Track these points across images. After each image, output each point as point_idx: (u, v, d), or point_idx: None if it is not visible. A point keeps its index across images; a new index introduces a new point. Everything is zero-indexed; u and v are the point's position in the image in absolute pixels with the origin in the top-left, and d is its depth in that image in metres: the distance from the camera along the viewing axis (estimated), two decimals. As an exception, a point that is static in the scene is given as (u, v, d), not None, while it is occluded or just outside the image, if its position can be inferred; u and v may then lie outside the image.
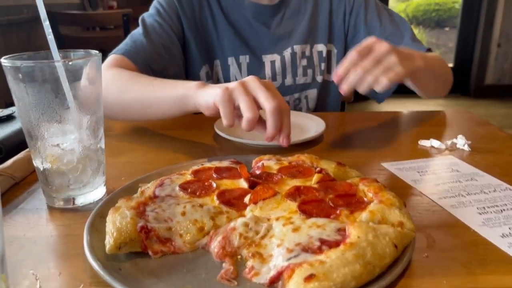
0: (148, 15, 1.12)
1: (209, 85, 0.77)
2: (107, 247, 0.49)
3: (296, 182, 0.63)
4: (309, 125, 0.96)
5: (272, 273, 0.45)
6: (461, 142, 0.85)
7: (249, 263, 0.48)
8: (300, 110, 1.23)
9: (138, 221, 0.52)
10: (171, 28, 1.10)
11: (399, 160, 0.80)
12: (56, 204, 0.64)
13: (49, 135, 0.60)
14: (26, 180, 0.73)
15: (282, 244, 0.48)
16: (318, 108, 1.25)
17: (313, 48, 1.21)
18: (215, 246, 0.51)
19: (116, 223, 0.52)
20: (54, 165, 0.62)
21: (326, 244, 0.47)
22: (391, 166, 0.77)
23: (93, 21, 3.30)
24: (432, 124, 1.04)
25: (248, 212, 0.57)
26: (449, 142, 0.86)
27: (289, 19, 1.19)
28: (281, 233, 0.51)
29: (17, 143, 0.80)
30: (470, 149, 0.84)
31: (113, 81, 0.90)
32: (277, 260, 0.46)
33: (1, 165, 0.71)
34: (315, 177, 0.63)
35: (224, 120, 0.70)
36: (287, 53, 1.19)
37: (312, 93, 1.23)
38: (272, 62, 1.18)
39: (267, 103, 0.68)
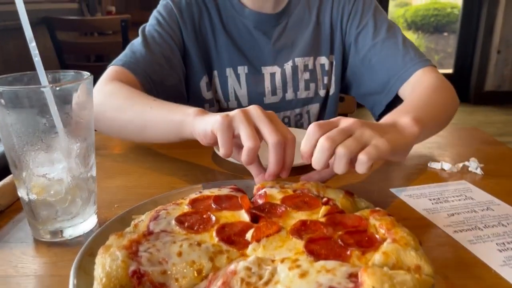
0: (149, 25, 1.08)
1: (209, 113, 0.72)
2: (95, 294, 0.45)
3: (301, 215, 0.58)
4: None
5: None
6: (473, 165, 0.81)
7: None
8: (301, 126, 1.19)
9: (130, 264, 0.47)
10: (172, 38, 1.07)
11: (408, 185, 0.75)
12: (43, 237, 0.60)
13: (35, 165, 0.56)
14: (12, 207, 0.69)
15: None
16: None
17: (316, 61, 1.16)
18: (215, 292, 0.47)
19: (106, 266, 0.47)
20: (41, 196, 0.57)
21: (337, 294, 0.42)
22: (401, 193, 0.72)
23: (91, 26, 3.26)
24: (441, 144, 0.99)
25: (250, 251, 0.52)
26: (460, 165, 0.82)
27: (291, 29, 1.14)
28: (287, 279, 0.46)
29: (3, 166, 0.76)
30: (483, 173, 0.80)
31: (111, 96, 0.87)
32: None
33: (-15, 192, 0.66)
34: (322, 210, 0.58)
35: (222, 149, 0.65)
36: (288, 66, 1.14)
37: (315, 108, 1.19)
38: (272, 75, 1.14)
39: (271, 137, 0.63)
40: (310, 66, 1.16)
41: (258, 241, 0.53)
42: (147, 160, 0.88)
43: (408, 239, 0.50)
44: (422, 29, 6.03)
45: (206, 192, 0.65)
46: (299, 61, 1.14)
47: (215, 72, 1.13)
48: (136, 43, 1.04)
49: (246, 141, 0.62)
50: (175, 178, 0.80)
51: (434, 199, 0.70)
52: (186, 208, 0.61)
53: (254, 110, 0.65)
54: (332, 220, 0.56)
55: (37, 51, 0.55)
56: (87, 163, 0.60)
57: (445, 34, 5.98)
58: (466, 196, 0.71)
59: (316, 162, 0.61)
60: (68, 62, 3.00)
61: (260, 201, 0.63)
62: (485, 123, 4.51)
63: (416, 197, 0.71)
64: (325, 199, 0.61)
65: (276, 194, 0.64)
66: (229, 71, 1.13)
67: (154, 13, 1.11)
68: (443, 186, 0.75)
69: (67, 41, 3.03)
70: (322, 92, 1.18)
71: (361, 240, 0.52)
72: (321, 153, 0.59)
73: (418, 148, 0.97)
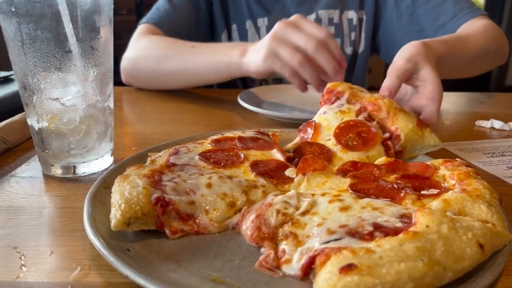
0: None
1: (248, 49, 0.76)
2: (113, 222, 0.38)
3: (353, 156, 0.51)
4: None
5: (304, 260, 0.34)
6: (527, 123, 0.73)
7: (282, 245, 0.37)
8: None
9: (152, 192, 0.41)
10: None
11: (456, 140, 0.68)
12: (53, 172, 0.53)
13: (47, 86, 0.49)
14: (21, 146, 0.62)
15: (323, 223, 0.37)
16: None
17: (342, 15, 1.09)
18: (248, 227, 0.40)
19: (125, 193, 0.40)
20: (52, 124, 0.51)
21: (382, 231, 0.34)
22: (450, 147, 0.65)
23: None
24: (486, 103, 0.91)
25: (295, 184, 0.45)
26: (512, 124, 0.74)
27: None
28: (325, 211, 0.39)
29: (14, 107, 0.70)
30: (537, 132, 0.72)
31: (148, 49, 0.90)
32: (312, 242, 0.35)
33: (-9, 127, 0.60)
34: (381, 160, 0.50)
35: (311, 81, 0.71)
36: (311, 18, 1.07)
37: None
38: (268, 27, 1.07)
39: (309, 44, 0.68)
40: (336, 20, 1.08)
41: (304, 173, 0.46)
42: (167, 111, 0.82)
43: (483, 192, 0.41)
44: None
45: (229, 134, 0.58)
46: (323, 13, 1.08)
47: (234, 26, 1.09)
48: (160, 0, 1.04)
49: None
50: (196, 127, 0.73)
51: (488, 153, 0.63)
52: (208, 146, 0.54)
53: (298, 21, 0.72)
54: (392, 166, 0.49)
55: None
56: (104, 92, 0.53)
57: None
58: (523, 152, 0.64)
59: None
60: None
61: (309, 130, 0.57)
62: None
63: (468, 151, 0.64)
64: (386, 135, 0.54)
65: (332, 119, 0.57)
66: (248, 24, 1.08)
67: None
68: (496, 142, 0.68)
69: None
70: (348, 50, 1.10)
71: (421, 186, 0.44)
72: None
73: (463, 106, 0.89)
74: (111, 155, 0.58)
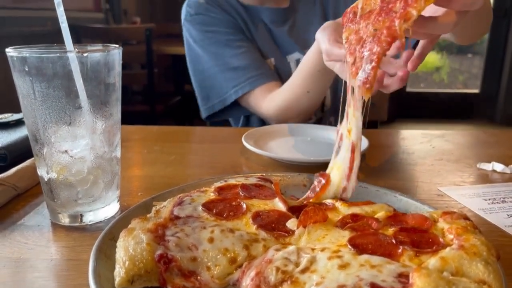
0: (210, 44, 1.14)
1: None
2: (117, 280, 0.39)
3: (354, 210, 0.52)
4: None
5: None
6: (528, 167, 0.74)
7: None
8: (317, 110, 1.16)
9: (156, 248, 0.42)
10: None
11: (457, 185, 0.68)
12: (61, 221, 0.55)
13: (57, 139, 0.51)
14: (30, 191, 0.64)
15: (322, 282, 0.38)
16: (333, 105, 1.18)
17: None
18: (247, 285, 0.41)
19: (129, 249, 0.42)
20: (61, 175, 0.53)
21: (379, 293, 0.35)
22: (451, 192, 0.65)
23: (116, 35, 3.28)
24: (488, 143, 0.92)
25: (296, 237, 0.46)
26: (513, 166, 0.74)
27: (302, 20, 1.18)
28: (324, 269, 0.40)
29: (24, 150, 0.72)
30: (539, 176, 0.72)
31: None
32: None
33: (3, 174, 0.62)
34: (383, 213, 0.51)
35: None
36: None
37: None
38: (297, 61, 1.15)
39: None
40: None
41: (305, 226, 0.47)
42: (173, 152, 0.83)
43: (480, 249, 0.41)
44: (446, 49, 5.94)
45: (232, 181, 0.60)
46: None
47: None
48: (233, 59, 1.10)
49: None
50: (201, 170, 0.75)
51: (489, 199, 0.63)
52: (212, 196, 0.55)
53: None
54: (392, 218, 0.50)
55: (64, 17, 0.51)
56: (111, 142, 0.55)
57: (469, 55, 5.87)
58: (524, 197, 0.64)
59: None
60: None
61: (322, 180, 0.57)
62: (513, 144, 4.36)
63: (469, 196, 0.64)
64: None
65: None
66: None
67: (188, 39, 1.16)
68: (497, 187, 0.68)
69: (92, 49, 3.05)
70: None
71: (419, 241, 0.44)
72: None
73: (464, 149, 0.90)
74: (118, 202, 0.59)
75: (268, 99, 1.03)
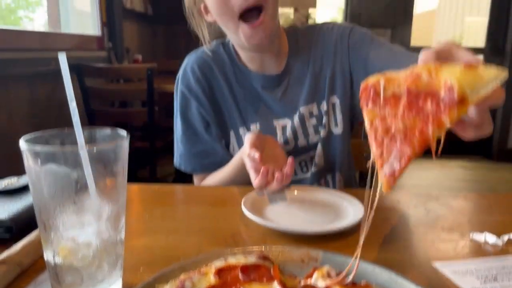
0: (177, 115, 1.23)
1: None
2: None
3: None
4: (342, 207, 0.88)
5: None
6: (520, 239, 0.76)
7: None
8: (317, 165, 1.20)
9: None
10: (199, 119, 1.21)
11: (451, 257, 0.71)
12: (65, 303, 0.56)
13: (65, 227, 0.53)
14: (34, 267, 0.66)
15: None
16: (327, 164, 1.21)
17: (321, 106, 1.20)
18: None
19: None
20: (67, 260, 0.54)
21: None
22: (445, 268, 0.67)
23: (118, 74, 3.36)
24: (481, 209, 0.94)
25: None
26: (505, 238, 0.77)
27: (294, 84, 1.20)
28: None
29: (30, 221, 0.74)
30: (530, 248, 0.74)
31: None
32: None
33: (8, 250, 0.64)
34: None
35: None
36: (296, 116, 1.19)
37: (318, 149, 1.20)
38: (284, 127, 1.19)
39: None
40: (315, 112, 1.19)
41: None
42: (174, 218, 0.86)
43: None
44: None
45: (232, 260, 0.62)
46: (304, 109, 1.18)
47: (231, 132, 1.20)
48: (179, 136, 1.23)
49: None
50: (202, 239, 0.76)
51: (482, 276, 0.65)
52: (212, 279, 0.57)
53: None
54: None
55: (76, 111, 0.54)
56: (116, 226, 0.57)
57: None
58: (516, 274, 0.66)
59: None
60: (94, 107, 3.07)
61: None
62: (510, 181, 4.39)
63: (462, 273, 0.66)
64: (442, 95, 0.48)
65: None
66: (242, 130, 1.18)
67: (175, 102, 1.23)
68: (489, 261, 0.70)
69: (94, 87, 3.11)
70: (322, 132, 1.19)
71: None
72: None
73: (458, 214, 0.92)
74: (120, 281, 0.61)
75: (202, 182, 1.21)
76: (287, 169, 0.88)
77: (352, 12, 5.05)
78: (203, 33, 1.20)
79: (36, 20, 3.69)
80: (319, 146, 1.19)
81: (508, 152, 4.99)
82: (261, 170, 0.87)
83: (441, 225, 0.84)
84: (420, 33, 5.99)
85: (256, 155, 0.89)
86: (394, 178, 0.50)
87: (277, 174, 0.87)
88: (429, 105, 0.48)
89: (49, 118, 2.90)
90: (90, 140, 0.59)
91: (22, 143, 0.51)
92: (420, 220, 0.87)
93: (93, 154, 0.52)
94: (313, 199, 0.94)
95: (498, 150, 5.00)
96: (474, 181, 4.45)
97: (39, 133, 0.56)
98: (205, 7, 1.13)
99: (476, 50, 5.51)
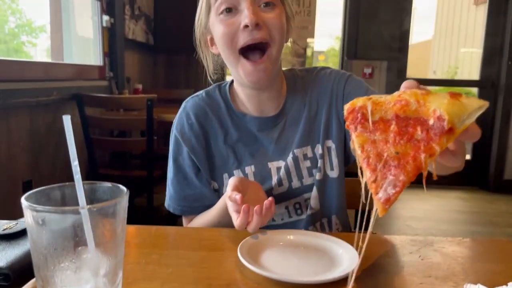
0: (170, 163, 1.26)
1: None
2: None
3: None
4: (338, 255, 0.89)
5: None
6: (513, 291, 0.76)
7: None
8: (303, 209, 1.20)
9: None
10: (189, 166, 1.22)
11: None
12: None
13: (63, 284, 0.54)
14: (31, 317, 0.66)
15: None
16: (323, 207, 1.21)
17: (315, 149, 1.21)
18: None
19: None
20: (64, 316, 0.55)
21: None
22: (438, 323, 0.68)
23: (118, 104, 3.40)
24: (473, 258, 0.95)
25: None
26: (498, 290, 0.77)
27: (290, 126, 1.22)
28: None
29: (28, 267, 0.74)
30: (524, 301, 0.75)
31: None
32: None
33: (5, 302, 0.65)
34: None
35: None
36: (290, 158, 1.20)
37: (314, 192, 1.21)
38: (278, 168, 1.20)
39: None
40: (310, 155, 1.20)
41: None
42: (171, 262, 0.86)
43: None
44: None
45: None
46: (298, 151, 1.20)
47: (225, 175, 1.20)
48: (170, 178, 1.24)
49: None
50: (199, 286, 0.77)
51: (474, 333, 0.66)
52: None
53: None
54: None
55: (78, 169, 0.56)
56: (114, 281, 0.58)
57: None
58: (509, 330, 0.66)
59: None
60: (93, 136, 3.09)
61: None
62: (507, 213, 4.39)
63: (455, 329, 0.66)
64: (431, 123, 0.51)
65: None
66: (237, 173, 1.19)
67: (170, 147, 1.26)
68: (483, 315, 0.71)
69: (93, 116, 3.15)
70: (318, 175, 1.20)
71: None
72: None
73: (452, 261, 0.93)
74: (115, 334, 0.61)
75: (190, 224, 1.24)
76: (266, 202, 0.90)
77: (349, 43, 5.15)
78: (208, 63, 1.23)
79: (38, 46, 3.75)
80: (314, 189, 1.20)
81: (504, 183, 5.00)
82: (242, 208, 0.89)
83: (435, 274, 0.85)
84: (416, 63, 6.11)
85: (238, 196, 0.91)
86: (389, 203, 0.52)
87: (256, 207, 0.88)
88: (419, 132, 0.51)
89: (48, 147, 2.92)
90: (90, 195, 0.60)
91: (25, 203, 0.53)
92: (415, 269, 0.87)
93: (93, 212, 0.53)
94: (309, 245, 0.94)
95: (495, 181, 5.02)
96: (471, 213, 4.44)
97: (39, 190, 0.58)
98: (212, 39, 1.17)
99: (470, 83, 5.60)
